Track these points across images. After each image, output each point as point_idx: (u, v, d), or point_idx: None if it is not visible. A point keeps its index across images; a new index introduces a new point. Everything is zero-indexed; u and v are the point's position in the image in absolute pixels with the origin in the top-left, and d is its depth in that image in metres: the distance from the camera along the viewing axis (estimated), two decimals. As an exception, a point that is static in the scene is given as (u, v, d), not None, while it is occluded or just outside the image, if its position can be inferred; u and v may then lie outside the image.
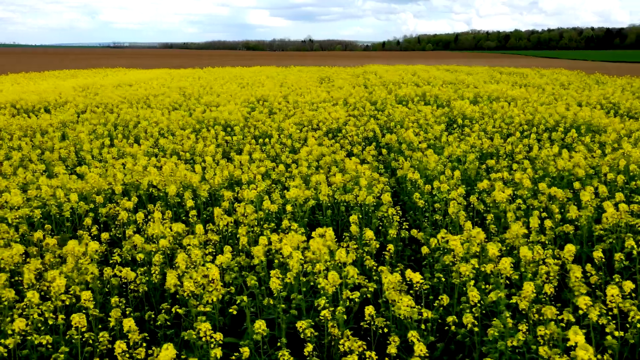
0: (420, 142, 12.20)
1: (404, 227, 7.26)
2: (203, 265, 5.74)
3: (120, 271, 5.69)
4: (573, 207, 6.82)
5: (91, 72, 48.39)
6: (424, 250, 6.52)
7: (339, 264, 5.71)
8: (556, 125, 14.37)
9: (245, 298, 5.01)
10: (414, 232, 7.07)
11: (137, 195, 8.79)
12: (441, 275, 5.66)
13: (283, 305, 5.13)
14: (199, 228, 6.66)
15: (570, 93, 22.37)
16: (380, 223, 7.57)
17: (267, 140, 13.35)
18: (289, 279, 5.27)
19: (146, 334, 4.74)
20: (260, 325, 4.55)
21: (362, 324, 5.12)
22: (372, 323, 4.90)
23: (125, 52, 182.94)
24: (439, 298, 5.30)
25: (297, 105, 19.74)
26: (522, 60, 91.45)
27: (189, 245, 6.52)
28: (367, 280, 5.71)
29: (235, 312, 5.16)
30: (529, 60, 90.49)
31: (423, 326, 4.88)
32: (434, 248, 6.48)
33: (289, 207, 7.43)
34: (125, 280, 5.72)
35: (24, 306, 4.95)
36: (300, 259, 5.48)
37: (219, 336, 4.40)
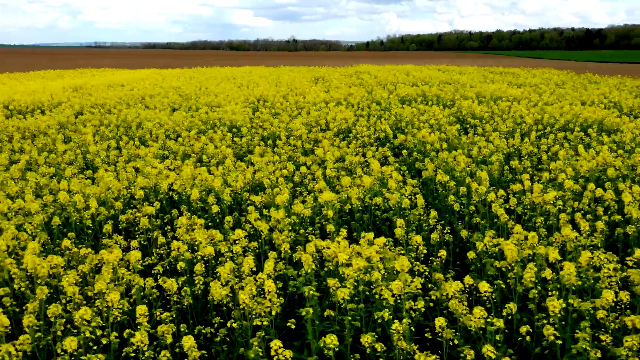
0: (434, 143, 12.00)
1: (444, 230, 7.02)
2: (250, 274, 5.46)
3: (165, 282, 5.35)
4: (635, 209, 6.63)
5: (78, 72, 47.45)
6: (470, 255, 6.29)
7: (394, 272, 5.46)
8: (566, 124, 14.29)
9: (310, 310, 4.72)
10: (463, 233, 6.85)
11: (157, 200, 8.43)
12: (501, 282, 5.42)
13: (349, 317, 4.84)
14: (238, 233, 6.34)
15: (569, 92, 22.41)
16: (417, 226, 7.34)
17: (277, 141, 13.04)
18: (349, 288, 4.98)
19: (204, 352, 4.44)
20: (331, 340, 4.26)
21: (426, 335, 4.88)
22: (441, 335, 4.66)
23: (108, 52, 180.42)
24: (505, 306, 5.07)
25: (299, 105, 19.42)
26: (506, 60, 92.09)
27: (227, 252, 6.22)
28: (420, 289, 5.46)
29: (293, 326, 4.87)
30: (512, 60, 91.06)
31: (498, 337, 4.63)
32: (481, 252, 6.26)
33: (330, 212, 7.14)
34: (168, 292, 5.39)
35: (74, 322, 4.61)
36: (359, 267, 5.20)
37: (289, 354, 4.11)
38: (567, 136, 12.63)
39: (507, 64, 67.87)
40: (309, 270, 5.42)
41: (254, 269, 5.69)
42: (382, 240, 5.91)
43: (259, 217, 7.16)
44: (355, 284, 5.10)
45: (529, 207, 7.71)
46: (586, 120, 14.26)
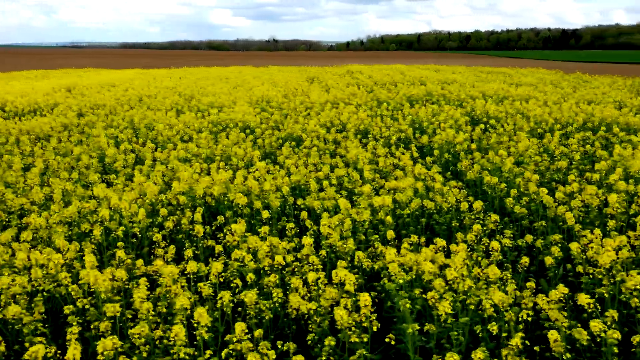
0: (463, 143, 11.80)
1: (510, 235, 6.78)
2: (329, 285, 5.14)
3: (245, 295, 4.98)
4: None
5: (62, 72, 46.30)
6: (548, 260, 6.05)
7: (485, 280, 5.19)
8: (584, 124, 14.23)
9: (416, 326, 4.41)
10: (528, 237, 6.61)
11: (198, 206, 8.01)
12: (603, 291, 5.18)
13: (455, 333, 4.55)
14: (306, 240, 6.01)
15: (569, 92, 22.49)
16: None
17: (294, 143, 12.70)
18: (448, 300, 4.69)
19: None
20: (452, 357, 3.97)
21: (535, 348, 4.63)
22: (552, 349, 4.40)
23: (86, 52, 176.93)
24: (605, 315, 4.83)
25: (306, 105, 19.04)
26: (488, 60, 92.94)
27: (295, 262, 5.89)
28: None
29: (393, 342, 4.56)
30: (494, 60, 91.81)
31: (616, 349, 4.39)
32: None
33: (388, 218, 6.84)
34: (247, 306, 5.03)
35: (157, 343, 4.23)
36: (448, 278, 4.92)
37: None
38: (605, 136, 12.44)
39: (490, 63, 68.52)
40: (407, 279, 5.10)
41: (326, 279, 5.37)
42: (462, 247, 5.64)
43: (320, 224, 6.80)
44: (453, 295, 4.81)
45: (583, 209, 7.52)
46: (604, 119, 14.21)
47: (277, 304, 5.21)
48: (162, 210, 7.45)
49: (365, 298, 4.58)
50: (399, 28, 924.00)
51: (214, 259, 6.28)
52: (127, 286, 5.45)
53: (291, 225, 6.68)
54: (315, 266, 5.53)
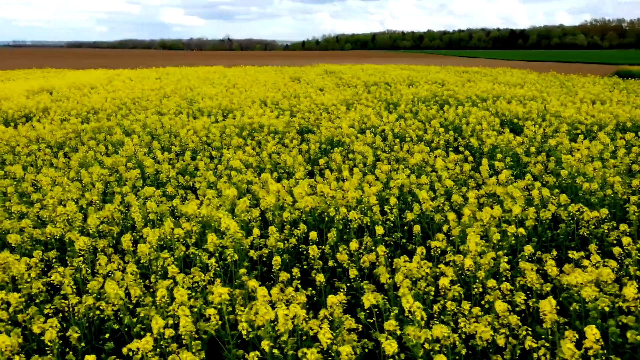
0: (515, 147, 11.62)
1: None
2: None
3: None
4: None
5: (23, 73, 43.73)
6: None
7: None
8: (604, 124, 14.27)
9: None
10: None
11: (300, 222, 7.40)
12: None
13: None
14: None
15: (573, 91, 22.92)
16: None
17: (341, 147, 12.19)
18: None
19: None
20: None
21: None
22: None
23: (35, 52, 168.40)
24: None
25: (316, 107, 18.50)
26: (443, 60, 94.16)
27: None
28: None
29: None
30: (450, 60, 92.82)
31: None
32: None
33: (522, 230, 6.46)
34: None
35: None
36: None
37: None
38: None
39: (447, 62, 69.36)
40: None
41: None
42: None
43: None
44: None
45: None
46: (633, 119, 14.38)
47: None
48: (277, 236, 6.70)
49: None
50: (353, 28, 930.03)
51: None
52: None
53: (437, 243, 6.12)
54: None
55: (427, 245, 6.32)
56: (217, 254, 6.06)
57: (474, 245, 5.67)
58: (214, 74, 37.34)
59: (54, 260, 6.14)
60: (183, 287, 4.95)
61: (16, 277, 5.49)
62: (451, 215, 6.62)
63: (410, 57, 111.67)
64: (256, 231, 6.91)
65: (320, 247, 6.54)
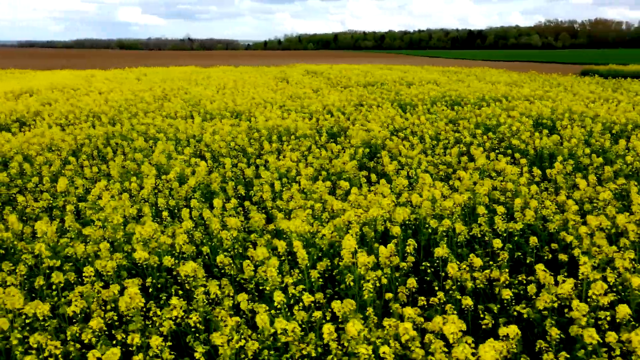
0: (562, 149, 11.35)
1: None
2: None
3: None
4: None
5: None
6: None
7: None
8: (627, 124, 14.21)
9: None
10: None
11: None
12: None
13: None
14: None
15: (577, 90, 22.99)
16: None
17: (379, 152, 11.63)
18: None
19: None
20: None
21: None
22: None
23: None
24: None
25: (329, 108, 17.90)
26: (410, 59, 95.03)
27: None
28: None
29: None
30: (415, 59, 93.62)
31: None
32: None
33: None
34: None
35: None
36: None
37: None
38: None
39: (413, 62, 69.73)
40: None
41: None
42: None
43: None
44: None
45: None
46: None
47: None
48: (381, 249, 6.07)
49: None
50: (314, 27, 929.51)
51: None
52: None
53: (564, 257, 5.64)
54: None
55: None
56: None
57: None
58: (193, 75, 36.06)
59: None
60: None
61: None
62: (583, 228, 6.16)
63: (378, 57, 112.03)
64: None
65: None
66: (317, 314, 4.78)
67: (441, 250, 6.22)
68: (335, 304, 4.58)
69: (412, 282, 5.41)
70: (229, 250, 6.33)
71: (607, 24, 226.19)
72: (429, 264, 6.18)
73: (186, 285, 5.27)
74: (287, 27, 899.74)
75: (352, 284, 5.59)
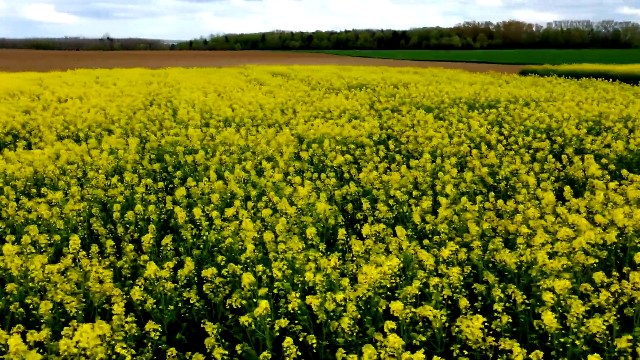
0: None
1: None
2: None
3: None
4: None
5: None
6: None
7: None
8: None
9: None
10: None
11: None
12: None
13: None
14: None
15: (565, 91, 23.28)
16: None
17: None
18: None
19: None
20: None
21: None
22: None
23: None
24: None
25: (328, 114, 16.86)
26: (340, 59, 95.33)
27: None
28: None
29: None
30: (347, 60, 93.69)
31: None
32: None
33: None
34: None
35: None
36: None
37: None
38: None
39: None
40: None
41: None
42: None
43: None
44: None
45: None
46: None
47: None
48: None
49: None
50: (239, 27, 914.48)
51: None
52: None
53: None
54: None
55: None
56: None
57: None
58: (154, 77, 33.74)
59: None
60: None
61: None
62: None
63: (307, 57, 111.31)
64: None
65: None
66: None
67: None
68: None
69: None
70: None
71: (519, 26, 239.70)
72: None
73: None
74: (209, 26, 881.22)
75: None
